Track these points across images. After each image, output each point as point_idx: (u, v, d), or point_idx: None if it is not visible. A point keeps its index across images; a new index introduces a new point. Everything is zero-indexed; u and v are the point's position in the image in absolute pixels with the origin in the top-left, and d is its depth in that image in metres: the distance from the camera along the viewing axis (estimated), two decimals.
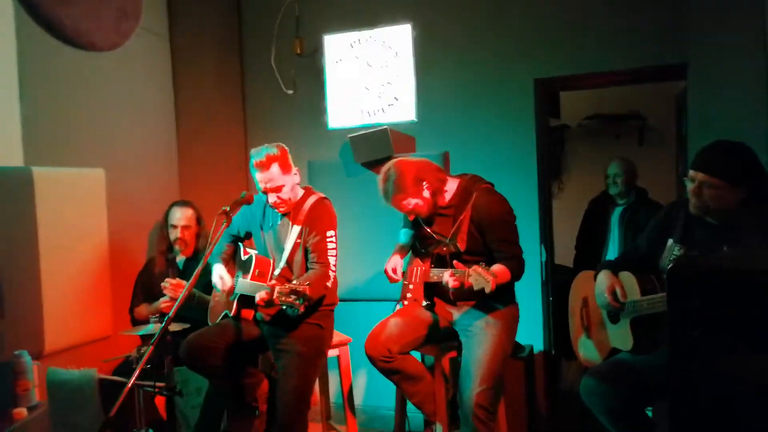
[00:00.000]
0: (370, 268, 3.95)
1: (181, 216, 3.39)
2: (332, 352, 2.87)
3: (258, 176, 2.59)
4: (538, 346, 3.67)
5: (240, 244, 2.92)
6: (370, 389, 3.93)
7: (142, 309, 3.40)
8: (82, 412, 1.98)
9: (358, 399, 3.86)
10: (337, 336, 2.90)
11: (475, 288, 2.24)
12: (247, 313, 2.71)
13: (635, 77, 3.53)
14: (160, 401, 3.35)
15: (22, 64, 3.05)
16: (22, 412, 2.32)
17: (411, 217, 2.71)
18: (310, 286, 2.32)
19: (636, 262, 2.49)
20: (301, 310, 2.30)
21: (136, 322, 3.41)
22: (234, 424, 2.83)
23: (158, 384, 2.06)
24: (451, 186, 2.65)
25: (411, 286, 2.78)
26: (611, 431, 2.41)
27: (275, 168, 2.57)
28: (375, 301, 3.96)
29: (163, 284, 3.00)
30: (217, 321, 2.76)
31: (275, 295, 2.31)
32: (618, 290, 2.41)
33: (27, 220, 2.99)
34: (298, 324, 2.62)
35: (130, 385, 1.92)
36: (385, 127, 3.79)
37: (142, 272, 3.56)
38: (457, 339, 2.66)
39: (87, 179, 3.34)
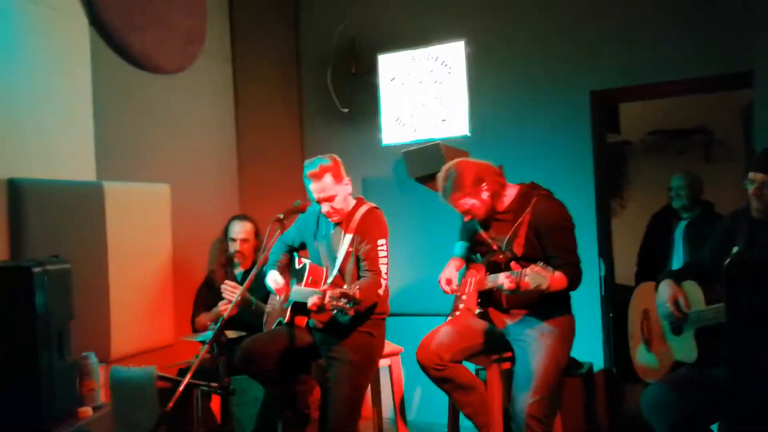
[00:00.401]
0: (422, 282, 3.95)
1: (240, 230, 3.49)
2: (384, 362, 2.86)
3: (311, 186, 2.66)
4: (599, 364, 3.55)
5: (295, 254, 2.99)
6: (423, 404, 3.89)
7: (203, 318, 3.51)
8: (142, 410, 2.05)
9: (411, 414, 3.81)
10: (389, 346, 2.91)
11: (532, 286, 2.19)
12: (301, 321, 2.76)
13: (694, 87, 3.42)
14: (216, 408, 3.44)
15: (96, 85, 3.26)
16: (87, 411, 2.43)
17: (467, 218, 2.67)
18: (361, 290, 2.34)
19: (700, 272, 2.40)
20: (351, 313, 2.31)
21: (197, 332, 3.53)
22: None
23: (212, 384, 2.11)
24: (511, 192, 2.63)
25: (464, 297, 2.76)
26: None
27: (328, 178, 2.63)
28: (427, 316, 3.96)
29: (222, 286, 3.07)
30: (272, 328, 2.82)
31: (326, 299, 2.35)
32: (681, 300, 2.32)
33: (98, 231, 3.16)
34: (349, 332, 2.64)
35: (186, 381, 1.98)
36: (437, 141, 3.82)
37: (202, 285, 3.68)
38: (510, 349, 2.61)
39: (153, 194, 3.51)
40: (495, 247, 2.62)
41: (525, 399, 2.35)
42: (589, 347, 3.52)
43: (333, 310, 2.36)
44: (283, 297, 2.86)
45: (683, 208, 3.66)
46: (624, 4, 3.50)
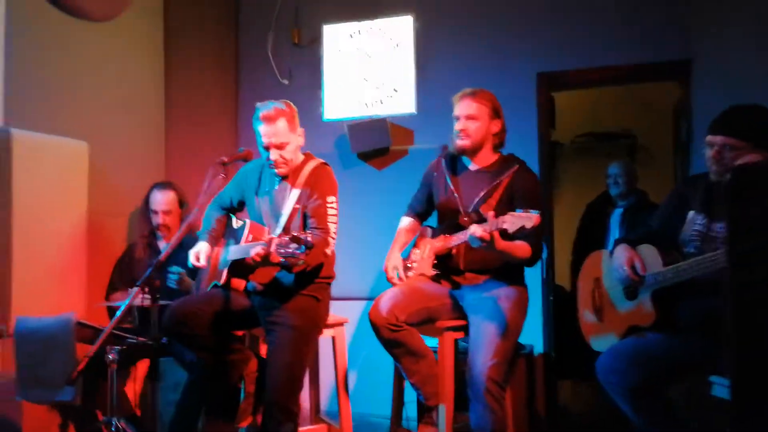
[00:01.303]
0: (365, 265, 3.78)
1: (161, 200, 3.20)
2: (326, 333, 2.65)
3: (262, 129, 2.43)
4: (538, 347, 3.50)
5: (232, 216, 2.73)
6: (359, 394, 3.66)
7: (118, 296, 3.16)
8: (55, 364, 1.74)
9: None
10: (332, 317, 2.69)
11: (511, 230, 2.08)
12: (238, 283, 2.51)
13: (636, 73, 3.49)
14: (131, 393, 3.10)
15: (9, 18, 2.90)
16: None
17: (461, 132, 2.52)
18: (313, 238, 2.11)
19: (652, 239, 2.38)
20: (300, 262, 2.05)
21: (112, 310, 3.17)
22: (210, 426, 2.58)
23: (140, 337, 1.84)
24: (493, 155, 2.59)
25: (415, 264, 2.62)
26: (630, 413, 2.25)
27: (282, 122, 2.42)
28: (369, 300, 3.78)
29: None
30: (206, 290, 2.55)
31: (273, 247, 2.11)
32: (638, 263, 2.28)
33: (2, 185, 2.78)
34: (292, 295, 2.42)
35: (108, 330, 1.70)
36: (384, 117, 3.69)
37: (120, 259, 3.34)
38: (464, 317, 2.49)
39: (69, 150, 3.14)
40: (459, 205, 2.50)
41: (484, 362, 2.23)
42: (529, 330, 3.46)
43: (281, 260, 2.12)
44: (213, 257, 2.59)
45: (619, 195, 3.71)
46: None
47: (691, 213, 2.28)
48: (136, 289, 1.80)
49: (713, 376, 2.19)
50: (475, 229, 2.17)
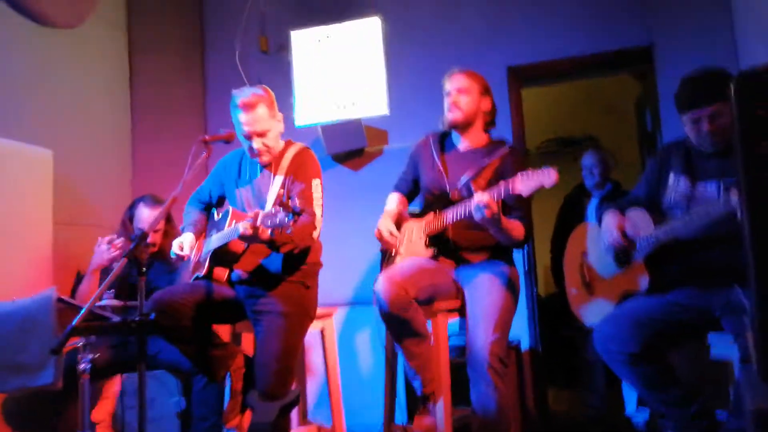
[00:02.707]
0: (342, 269, 3.69)
1: (151, 218, 2.95)
2: (314, 325, 2.52)
3: (242, 117, 2.34)
4: (524, 343, 3.45)
5: (213, 210, 2.63)
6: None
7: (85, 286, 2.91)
8: (34, 345, 1.60)
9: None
10: (321, 308, 2.58)
11: (526, 193, 2.03)
12: (221, 273, 2.39)
13: (601, 62, 3.57)
14: (103, 413, 2.92)
15: None
16: None
17: (452, 105, 2.49)
18: (297, 216, 2.00)
19: (638, 205, 2.38)
20: (291, 228, 1.95)
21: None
22: None
23: (129, 320, 1.71)
24: (484, 136, 2.57)
25: (402, 249, 2.55)
26: (629, 380, 2.21)
27: (262, 109, 2.35)
28: (348, 306, 3.68)
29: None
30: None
31: (260, 220, 2.01)
32: (628, 227, 2.27)
33: None
34: (279, 282, 2.32)
35: (90, 304, 1.58)
36: (358, 118, 3.66)
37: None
38: (459, 298, 2.42)
39: (33, 158, 3.01)
40: (446, 184, 2.46)
41: (486, 336, 2.16)
42: (514, 325, 3.42)
43: (269, 233, 2.02)
44: (199, 250, 2.49)
45: (595, 185, 3.73)
46: None
47: (672, 176, 2.30)
48: (121, 261, 1.68)
49: (711, 335, 2.18)
50: (482, 197, 2.10)
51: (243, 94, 2.35)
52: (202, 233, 2.57)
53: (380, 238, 2.53)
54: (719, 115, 2.13)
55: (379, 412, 2.65)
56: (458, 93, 2.48)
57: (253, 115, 2.33)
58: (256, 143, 2.36)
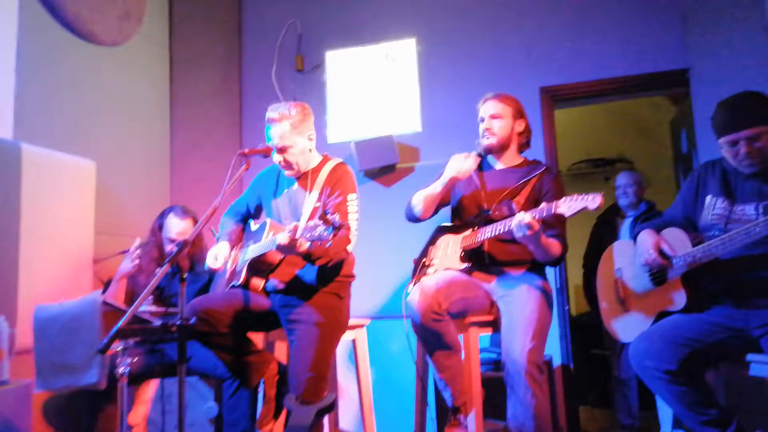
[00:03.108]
0: (376, 283, 3.72)
1: (180, 230, 3.03)
2: (346, 336, 2.55)
3: (270, 131, 2.43)
4: (556, 359, 3.42)
5: (250, 222, 2.69)
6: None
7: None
8: (80, 346, 1.65)
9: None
10: (353, 319, 2.61)
11: (569, 214, 2.04)
12: (256, 284, 2.44)
13: (635, 84, 3.57)
14: (139, 417, 2.96)
15: (21, 39, 2.93)
16: None
17: (486, 131, 2.54)
18: (337, 230, 2.04)
19: (674, 225, 2.37)
20: (330, 241, 1.98)
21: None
22: None
23: (170, 323, 1.76)
24: (519, 158, 2.63)
25: (436, 261, 2.57)
26: (665, 398, 2.17)
27: (286, 125, 2.41)
28: (382, 319, 3.69)
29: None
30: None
31: (299, 233, 2.05)
32: (665, 246, 2.26)
33: (11, 198, 2.73)
34: (314, 293, 2.36)
35: (134, 308, 1.63)
36: (391, 135, 3.71)
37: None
38: (492, 313, 2.43)
39: (77, 168, 3.12)
40: (483, 201, 2.49)
41: (523, 345, 2.15)
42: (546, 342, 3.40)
43: (308, 245, 2.07)
44: (234, 259, 2.54)
45: (629, 205, 3.72)
46: (570, 3, 3.66)
47: (709, 197, 2.28)
48: (163, 267, 1.74)
49: (750, 355, 2.15)
50: (524, 216, 2.13)
51: (272, 109, 2.43)
52: (237, 244, 2.62)
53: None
54: (757, 138, 2.13)
55: (410, 423, 2.65)
56: (491, 119, 2.54)
57: (277, 129, 2.41)
58: (276, 158, 2.43)
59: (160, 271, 1.83)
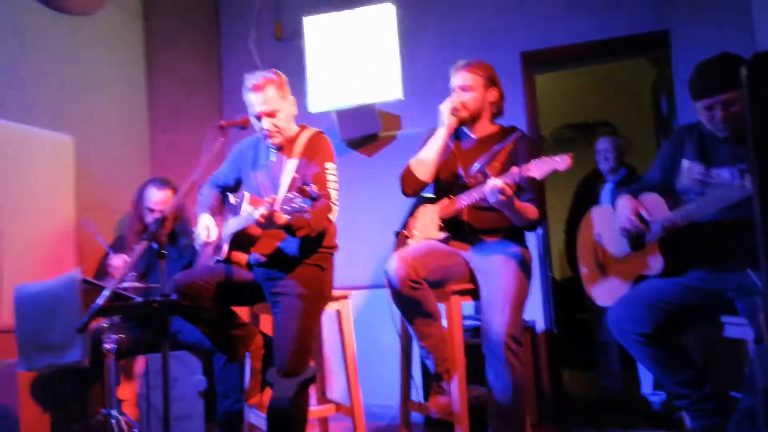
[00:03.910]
0: (359, 253, 3.73)
1: (159, 200, 3.08)
2: (330, 306, 2.57)
3: (252, 98, 2.39)
4: (539, 324, 3.48)
5: (228, 194, 2.68)
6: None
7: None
8: (61, 325, 1.65)
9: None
10: (336, 290, 2.62)
11: (539, 176, 2.06)
12: (239, 258, 2.44)
13: (618, 46, 3.55)
14: (129, 392, 2.99)
15: None
16: None
17: (459, 110, 2.51)
18: (315, 201, 2.04)
19: (651, 189, 2.39)
20: (309, 212, 1.99)
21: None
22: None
23: (151, 299, 1.76)
24: (492, 126, 2.61)
25: (416, 232, 2.59)
26: (643, 360, 2.23)
27: (271, 90, 2.39)
28: (368, 289, 3.72)
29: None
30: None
31: (277, 205, 2.05)
32: (643, 211, 2.29)
33: None
34: (296, 265, 2.36)
35: (113, 285, 1.63)
36: (373, 103, 3.68)
37: (106, 255, 3.23)
38: (471, 281, 2.46)
39: (54, 143, 3.08)
40: (460, 168, 2.49)
41: (502, 317, 2.19)
42: (529, 307, 3.45)
43: (287, 218, 2.06)
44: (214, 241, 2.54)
45: (610, 170, 3.74)
46: None
47: (686, 162, 2.30)
48: (141, 245, 1.73)
49: (724, 316, 2.20)
50: (496, 181, 2.13)
51: (253, 77, 2.40)
52: (218, 214, 2.61)
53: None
54: (733, 102, 2.13)
55: (396, 391, 2.70)
56: (462, 91, 2.51)
57: (262, 95, 2.38)
58: (266, 123, 2.40)
59: (140, 248, 1.83)
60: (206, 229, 2.44)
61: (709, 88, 2.16)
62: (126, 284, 2.45)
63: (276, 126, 2.42)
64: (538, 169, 2.07)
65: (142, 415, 2.89)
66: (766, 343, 1.85)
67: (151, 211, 3.08)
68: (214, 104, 4.08)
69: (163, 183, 3.12)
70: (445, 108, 2.51)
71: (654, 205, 2.29)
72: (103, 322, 2.51)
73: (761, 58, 1.32)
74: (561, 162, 2.06)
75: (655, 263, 2.29)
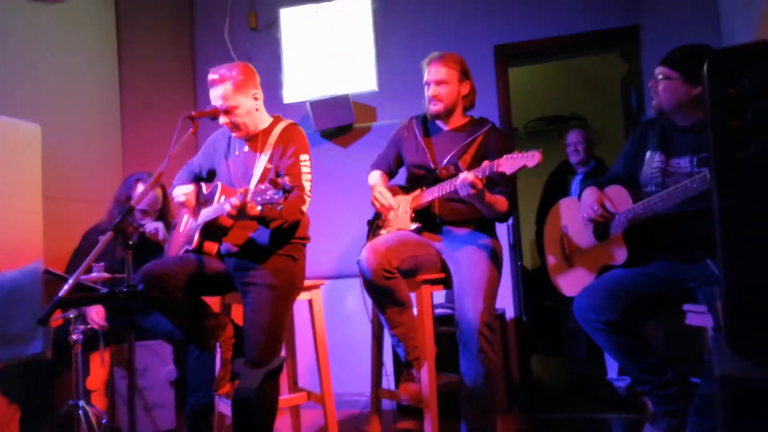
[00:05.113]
0: (333, 243, 3.75)
1: (148, 198, 3.09)
2: (302, 296, 2.58)
3: (211, 93, 2.40)
4: (509, 313, 3.54)
5: (202, 184, 2.66)
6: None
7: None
8: (22, 316, 1.63)
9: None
10: (308, 280, 2.63)
11: (510, 172, 2.09)
12: (210, 247, 2.44)
13: (589, 41, 3.61)
14: (98, 381, 2.96)
15: None
16: None
17: (434, 98, 2.54)
18: (287, 193, 2.05)
19: (617, 181, 2.45)
20: (281, 204, 2.00)
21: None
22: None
23: (118, 290, 1.75)
24: (463, 118, 2.63)
25: (390, 216, 2.61)
26: (607, 348, 2.29)
27: (227, 87, 2.37)
28: (340, 279, 3.74)
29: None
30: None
31: (249, 197, 2.05)
32: (607, 202, 2.34)
33: None
34: (268, 256, 2.37)
35: (75, 277, 1.61)
36: (347, 94, 3.69)
37: (89, 233, 3.18)
38: (443, 271, 2.49)
39: (21, 132, 3.00)
40: (431, 163, 2.52)
41: (475, 306, 2.22)
42: (499, 296, 3.50)
43: (259, 209, 2.07)
44: (187, 223, 2.53)
45: (579, 162, 3.80)
46: None
47: (648, 153, 2.36)
48: (107, 234, 1.72)
49: (686, 305, 2.27)
50: (467, 175, 2.17)
51: (213, 72, 2.40)
52: (192, 202, 2.59)
53: (378, 203, 2.57)
54: (666, 78, 2.22)
55: (368, 379, 2.73)
56: (437, 85, 2.53)
57: (217, 91, 2.38)
58: (222, 119, 2.40)
59: (103, 238, 1.81)
60: (185, 194, 2.50)
61: (660, 61, 2.27)
62: (94, 274, 2.44)
63: (233, 122, 2.41)
64: (508, 164, 2.11)
65: (110, 405, 2.88)
66: (723, 331, 1.92)
67: (144, 212, 3.08)
68: (188, 93, 4.05)
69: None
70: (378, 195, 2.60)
71: (618, 197, 2.34)
72: (71, 313, 2.49)
73: (721, 54, 1.37)
74: (531, 158, 2.10)
75: (620, 254, 2.34)
